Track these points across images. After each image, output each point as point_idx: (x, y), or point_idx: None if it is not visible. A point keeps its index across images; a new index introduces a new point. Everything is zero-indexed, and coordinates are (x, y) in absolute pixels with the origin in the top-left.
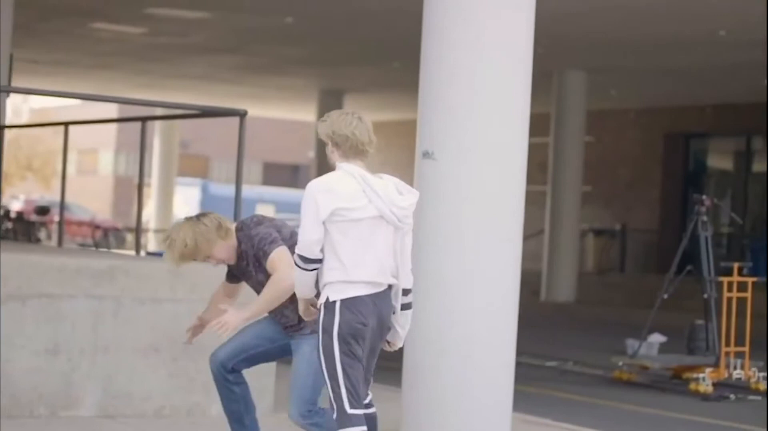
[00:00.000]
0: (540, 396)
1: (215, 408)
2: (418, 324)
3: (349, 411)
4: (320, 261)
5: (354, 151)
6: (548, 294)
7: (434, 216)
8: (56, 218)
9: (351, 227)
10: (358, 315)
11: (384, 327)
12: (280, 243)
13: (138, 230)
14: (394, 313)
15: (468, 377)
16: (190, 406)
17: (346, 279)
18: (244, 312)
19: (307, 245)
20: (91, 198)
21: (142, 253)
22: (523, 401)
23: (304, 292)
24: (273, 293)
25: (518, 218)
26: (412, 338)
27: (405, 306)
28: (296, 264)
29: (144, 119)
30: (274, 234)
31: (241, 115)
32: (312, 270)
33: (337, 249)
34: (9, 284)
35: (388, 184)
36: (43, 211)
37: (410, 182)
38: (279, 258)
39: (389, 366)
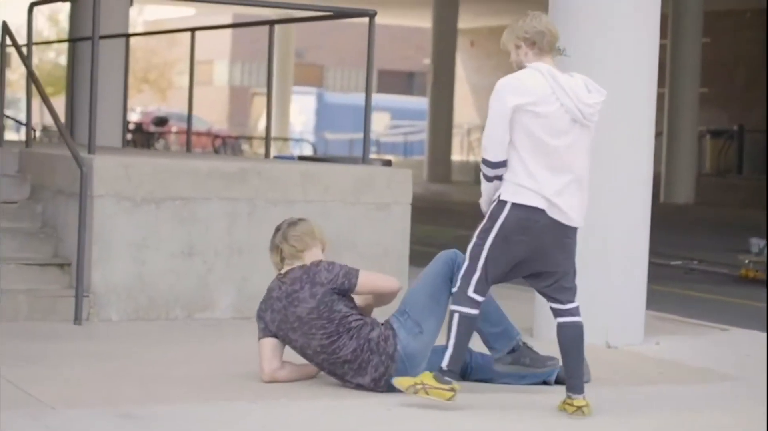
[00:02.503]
0: (669, 294)
1: None
2: None
3: (470, 294)
4: (505, 164)
5: (549, 46)
6: (667, 195)
7: None
8: (174, 129)
9: (537, 123)
10: (528, 220)
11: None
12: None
13: (268, 135)
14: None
15: (604, 274)
16: None
17: (524, 184)
18: None
19: (492, 145)
20: (208, 108)
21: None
22: (652, 299)
23: (484, 203)
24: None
25: (650, 117)
26: None
27: None
28: (482, 172)
29: (272, 23)
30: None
31: (371, 15)
32: (495, 176)
33: (519, 150)
34: (143, 187)
35: (578, 81)
36: (161, 121)
37: None
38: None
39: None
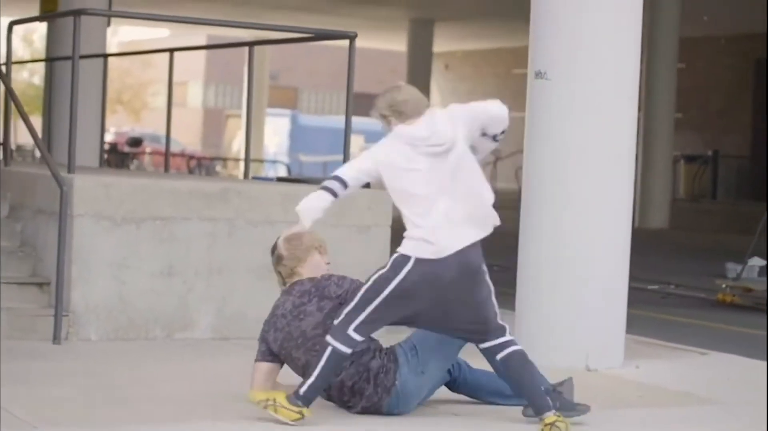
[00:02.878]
0: (646, 318)
1: None
2: (534, 245)
3: (350, 332)
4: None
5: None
6: (641, 220)
7: (547, 133)
8: (148, 149)
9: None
10: None
11: None
12: None
13: (247, 156)
14: None
15: (584, 297)
16: None
17: None
18: None
19: None
20: (182, 130)
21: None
22: (630, 323)
23: None
24: None
25: (631, 135)
26: (528, 260)
27: None
28: None
29: (252, 44)
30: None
31: (351, 37)
32: None
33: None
34: (123, 207)
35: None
36: (135, 142)
37: (521, 104)
38: None
39: (503, 292)
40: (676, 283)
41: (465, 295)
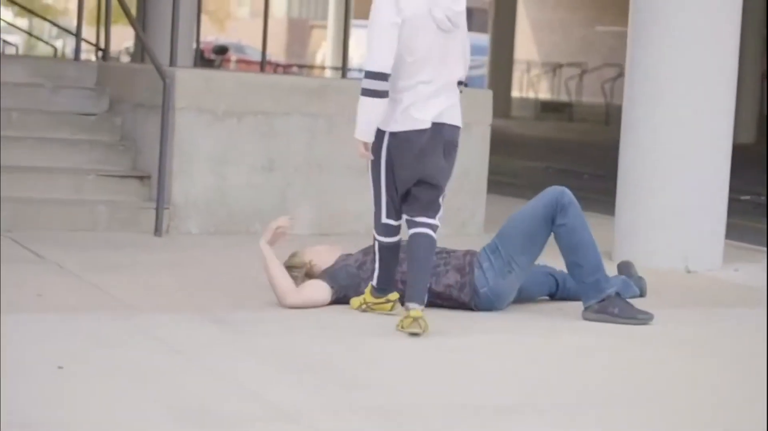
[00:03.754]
0: (741, 227)
1: None
2: (636, 148)
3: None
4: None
5: None
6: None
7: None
8: (233, 58)
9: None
10: None
11: None
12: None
13: (345, 57)
14: None
15: (685, 199)
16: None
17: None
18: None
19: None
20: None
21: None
22: (727, 230)
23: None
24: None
25: (734, 47)
26: (629, 161)
27: None
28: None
29: None
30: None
31: None
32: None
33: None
34: (225, 101)
35: None
36: (221, 50)
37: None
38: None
39: (598, 199)
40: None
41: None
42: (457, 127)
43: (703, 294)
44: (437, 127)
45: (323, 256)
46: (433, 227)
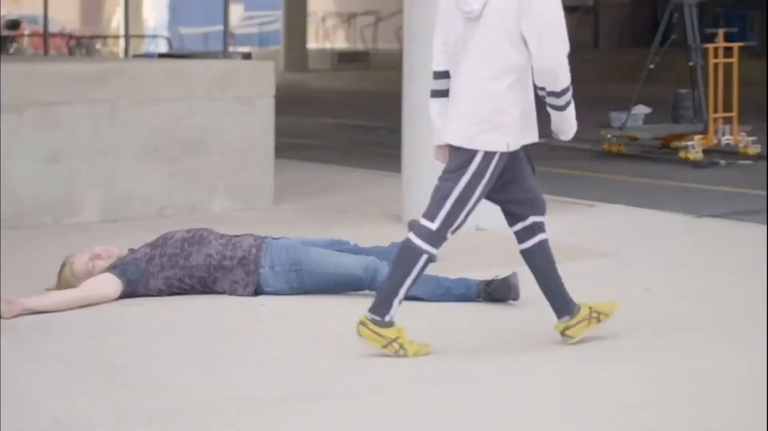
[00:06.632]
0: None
1: (217, 204)
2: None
3: None
4: None
5: None
6: None
7: None
8: (27, 31)
9: None
10: None
11: None
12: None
13: (127, 32)
14: None
15: None
16: (193, 204)
17: None
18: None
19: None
20: (59, 9)
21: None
22: None
23: None
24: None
25: None
26: (413, 113)
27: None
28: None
29: None
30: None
31: None
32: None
33: None
34: (5, 95)
35: None
36: (13, 24)
37: None
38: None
39: (391, 154)
40: None
41: None
42: None
43: (492, 252)
44: None
45: (109, 251)
46: None
